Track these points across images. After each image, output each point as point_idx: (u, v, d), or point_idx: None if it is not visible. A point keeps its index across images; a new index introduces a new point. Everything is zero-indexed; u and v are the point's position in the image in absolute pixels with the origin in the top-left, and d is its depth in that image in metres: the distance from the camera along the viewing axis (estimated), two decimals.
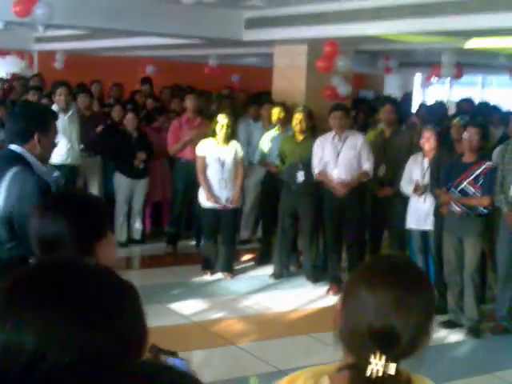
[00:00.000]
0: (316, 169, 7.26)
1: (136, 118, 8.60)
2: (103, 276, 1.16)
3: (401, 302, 1.59)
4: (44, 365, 1.02)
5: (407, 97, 13.62)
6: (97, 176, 8.88)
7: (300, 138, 7.56)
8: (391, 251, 7.15)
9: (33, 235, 2.27)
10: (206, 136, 8.00)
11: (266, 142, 8.17)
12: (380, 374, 1.54)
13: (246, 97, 11.40)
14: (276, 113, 8.19)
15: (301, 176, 7.44)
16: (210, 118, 8.73)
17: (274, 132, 8.21)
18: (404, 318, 1.57)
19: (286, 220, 7.64)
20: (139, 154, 8.38)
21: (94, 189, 8.70)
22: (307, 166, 7.34)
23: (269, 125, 8.55)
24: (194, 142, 8.16)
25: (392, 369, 1.55)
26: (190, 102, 8.51)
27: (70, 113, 8.04)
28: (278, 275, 7.68)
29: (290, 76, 9.43)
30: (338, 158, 7.13)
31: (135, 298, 1.15)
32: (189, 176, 8.29)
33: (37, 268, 1.17)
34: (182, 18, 8.83)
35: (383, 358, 1.54)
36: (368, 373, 1.54)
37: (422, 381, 1.70)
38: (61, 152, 7.61)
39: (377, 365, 1.54)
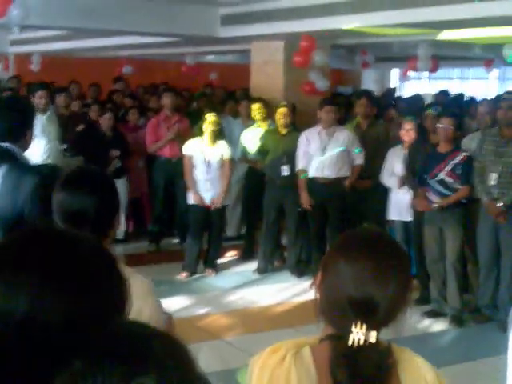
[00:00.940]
0: (299, 164, 7.26)
1: (112, 117, 8.51)
2: (89, 244, 1.22)
3: (378, 272, 1.63)
4: (34, 327, 1.09)
5: (390, 92, 13.57)
6: None
7: (283, 131, 7.56)
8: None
9: (58, 209, 2.29)
10: (185, 133, 8.02)
11: (250, 139, 8.13)
12: (361, 342, 1.59)
13: (224, 94, 11.39)
14: (256, 109, 8.20)
15: (285, 170, 7.44)
16: (191, 116, 8.73)
17: (257, 129, 8.13)
18: (382, 288, 1.62)
19: (271, 215, 7.64)
20: (113, 151, 8.28)
21: None
22: (292, 159, 7.31)
23: (248, 121, 8.54)
24: (175, 140, 8.15)
25: (373, 337, 1.60)
26: (167, 100, 8.45)
27: (48, 113, 7.98)
28: (262, 270, 7.68)
29: (267, 72, 9.45)
30: (325, 153, 7.15)
31: (117, 265, 1.22)
32: (169, 173, 8.29)
33: (27, 235, 1.21)
34: (158, 15, 8.84)
35: (364, 326, 1.60)
36: (350, 341, 1.60)
37: (402, 350, 1.75)
38: (40, 152, 7.56)
39: (358, 333, 1.60)
